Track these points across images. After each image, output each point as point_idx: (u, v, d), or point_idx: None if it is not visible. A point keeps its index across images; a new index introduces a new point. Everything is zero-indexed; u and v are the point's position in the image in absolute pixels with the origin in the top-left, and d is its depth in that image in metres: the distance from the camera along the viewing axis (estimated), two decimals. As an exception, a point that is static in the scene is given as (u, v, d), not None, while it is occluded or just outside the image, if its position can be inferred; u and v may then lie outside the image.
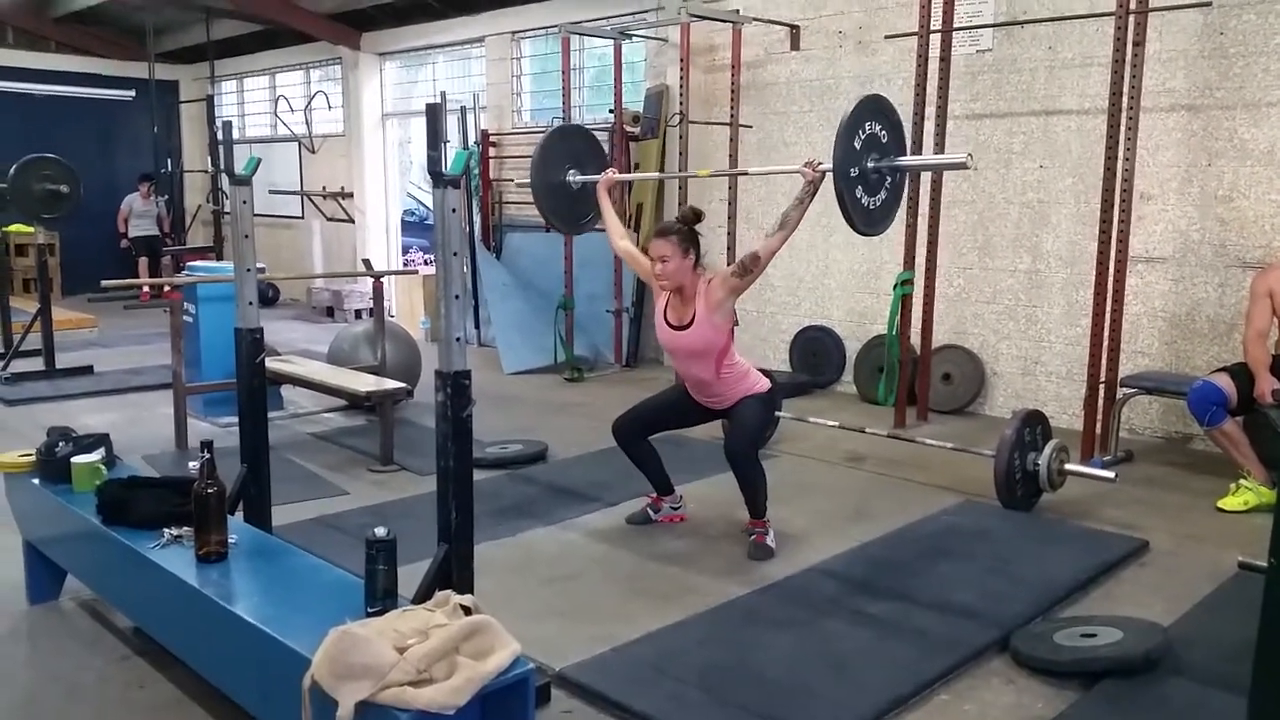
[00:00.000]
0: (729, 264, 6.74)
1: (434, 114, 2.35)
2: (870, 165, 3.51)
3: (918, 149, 5.68)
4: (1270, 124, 5.10)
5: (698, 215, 3.89)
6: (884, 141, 3.57)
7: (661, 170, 7.70)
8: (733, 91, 6.85)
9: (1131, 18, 4.79)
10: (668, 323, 3.90)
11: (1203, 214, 5.37)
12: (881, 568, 3.71)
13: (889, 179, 3.61)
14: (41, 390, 6.83)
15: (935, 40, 5.63)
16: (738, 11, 6.96)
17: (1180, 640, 3.03)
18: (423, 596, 2.31)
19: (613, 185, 4.36)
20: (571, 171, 4.46)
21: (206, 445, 2.62)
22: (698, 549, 3.96)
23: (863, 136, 3.48)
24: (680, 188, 6.88)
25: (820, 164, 3.55)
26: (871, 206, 3.57)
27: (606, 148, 8.01)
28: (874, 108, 3.55)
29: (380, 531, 2.21)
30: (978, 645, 3.05)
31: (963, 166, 3.55)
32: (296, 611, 2.34)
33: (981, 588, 3.48)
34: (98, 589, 3.24)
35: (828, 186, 3.56)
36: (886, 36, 6.29)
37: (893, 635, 3.14)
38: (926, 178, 5.72)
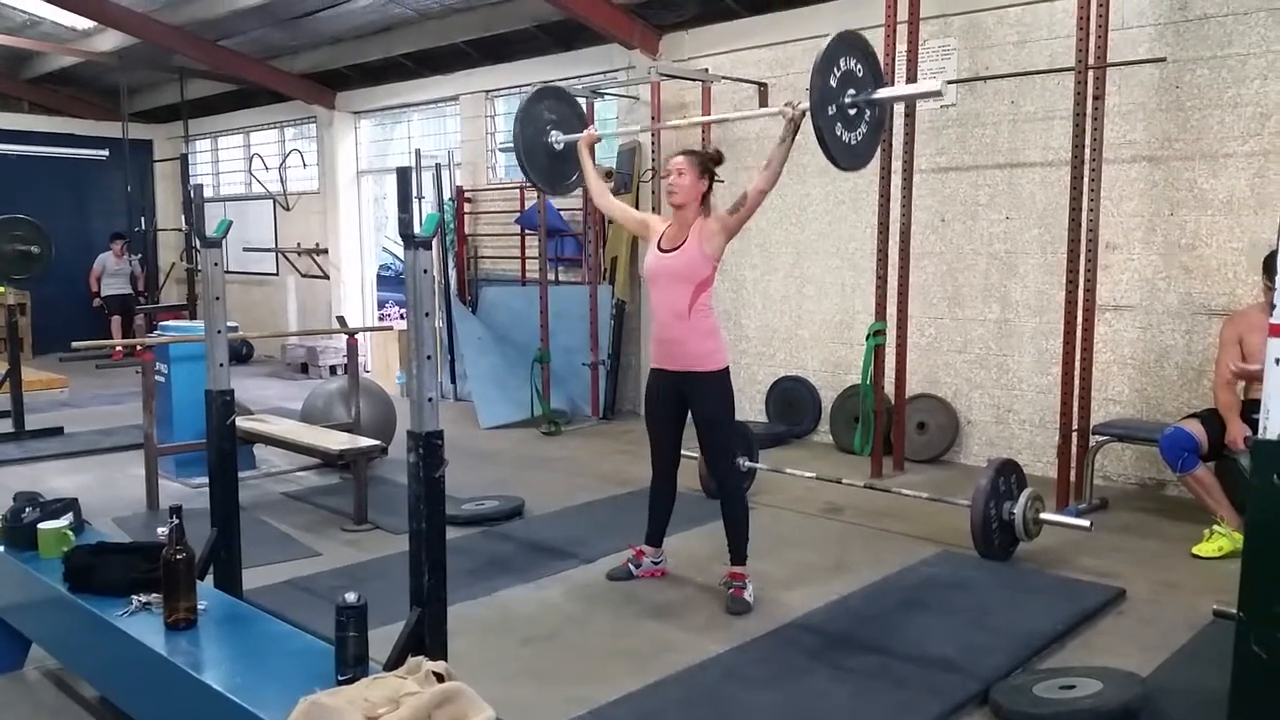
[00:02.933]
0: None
1: (404, 178, 2.37)
2: (848, 101, 3.46)
3: (886, 203, 5.78)
4: (1228, 174, 5.22)
5: (720, 157, 4.01)
6: (860, 76, 3.50)
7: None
8: (703, 147, 6.94)
9: (1090, 73, 4.92)
10: (659, 248, 3.92)
11: (1167, 262, 5.46)
12: (861, 621, 3.70)
13: (868, 113, 3.56)
14: (10, 453, 6.72)
15: (901, 96, 5.75)
16: (707, 70, 7.09)
17: (1159, 690, 3.02)
18: (394, 663, 2.27)
19: (593, 142, 4.33)
20: (554, 133, 4.42)
21: (175, 511, 2.58)
22: (676, 605, 3.93)
23: (838, 73, 3.43)
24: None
25: (800, 103, 3.53)
26: (852, 142, 3.52)
27: (580, 203, 8.13)
28: (849, 43, 3.49)
29: (350, 597, 2.18)
30: (958, 699, 3.04)
31: (937, 94, 3.53)
32: (266, 680, 2.30)
33: (961, 640, 3.47)
34: (63, 658, 3.17)
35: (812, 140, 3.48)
36: (854, 92, 6.41)
37: (873, 691, 3.12)
38: (895, 231, 5.80)
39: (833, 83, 3.42)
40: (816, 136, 3.43)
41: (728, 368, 3.93)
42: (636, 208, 7.72)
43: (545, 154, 4.40)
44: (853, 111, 3.49)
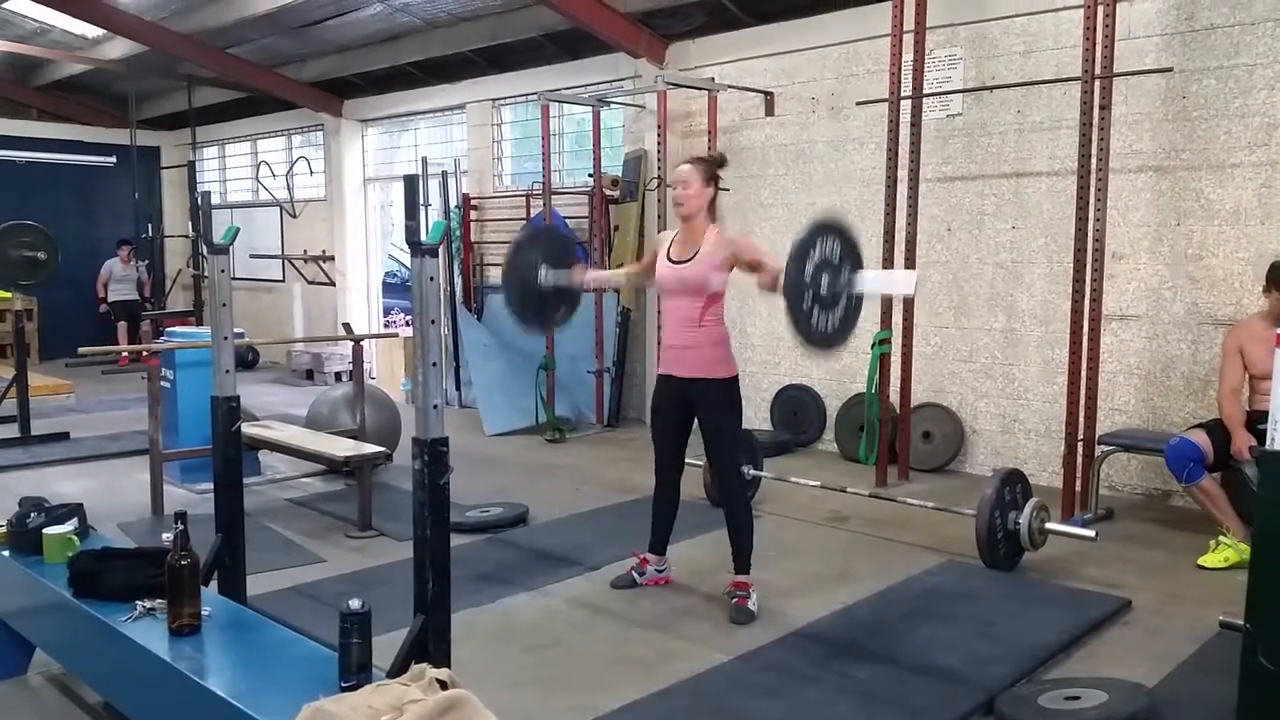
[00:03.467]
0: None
1: (411, 185, 2.38)
2: (824, 289, 3.36)
3: (891, 212, 5.78)
4: (1235, 184, 5.22)
5: (723, 160, 3.99)
6: (837, 260, 3.40)
7: (641, 230, 7.79)
8: (710, 155, 6.95)
9: (1097, 82, 4.92)
10: (670, 259, 3.90)
11: (1174, 272, 5.45)
12: (866, 631, 3.69)
13: (845, 296, 3.46)
14: (16, 457, 6.73)
15: (906, 106, 5.76)
16: (713, 79, 7.10)
17: (1165, 701, 3.01)
18: (398, 670, 2.27)
19: (584, 280, 4.17)
20: (543, 267, 4.19)
21: (180, 516, 2.58)
22: (681, 613, 3.92)
23: (815, 258, 3.33)
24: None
25: (780, 278, 3.41)
26: (828, 327, 3.41)
27: (586, 210, 8.14)
28: (826, 227, 3.41)
29: (354, 604, 2.18)
30: (963, 710, 3.03)
31: (910, 294, 3.35)
32: (270, 686, 2.30)
33: (966, 650, 3.46)
34: (67, 663, 3.17)
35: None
36: (858, 103, 6.43)
37: (878, 702, 3.11)
38: (901, 240, 5.80)
39: (808, 271, 3.30)
40: (789, 320, 3.33)
41: (736, 376, 3.94)
42: (643, 215, 7.76)
43: (537, 296, 4.19)
44: (829, 298, 3.39)
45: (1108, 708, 2.86)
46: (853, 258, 3.45)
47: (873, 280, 3.39)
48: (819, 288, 3.33)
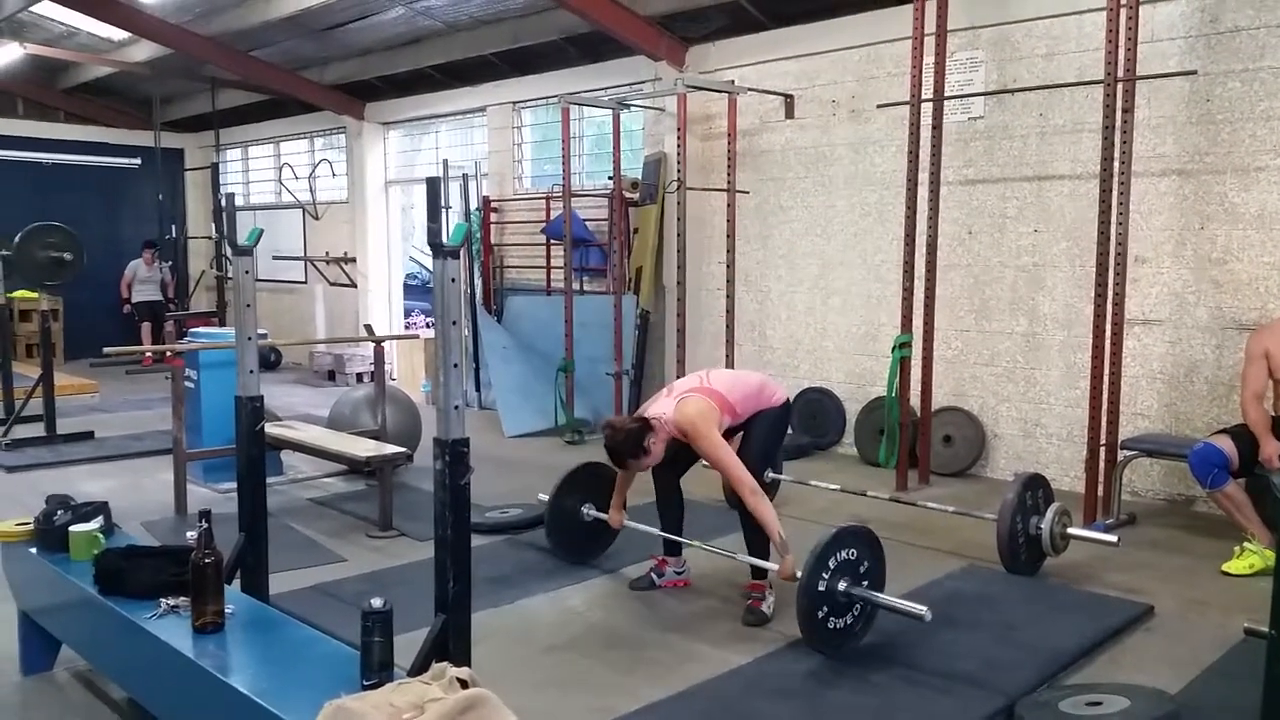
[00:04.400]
0: (727, 324, 6.88)
1: (434, 188, 2.39)
2: (840, 590, 3.44)
3: (912, 215, 5.77)
4: (1260, 188, 5.17)
5: (611, 436, 3.90)
6: (854, 560, 3.50)
7: (660, 232, 7.80)
8: (729, 159, 6.96)
9: (1120, 86, 4.88)
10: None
11: (1197, 276, 5.41)
12: (885, 634, 3.66)
13: (859, 605, 3.52)
14: (42, 456, 6.81)
15: (927, 109, 5.73)
16: (733, 82, 7.10)
17: (1188, 708, 2.98)
18: (419, 669, 2.29)
19: (622, 522, 4.36)
20: (587, 504, 4.48)
21: (204, 515, 2.61)
22: (699, 615, 3.92)
23: (834, 563, 3.43)
24: (679, 250, 6.96)
25: (797, 573, 3.48)
26: (837, 627, 3.46)
27: (605, 212, 8.16)
28: (851, 537, 3.51)
29: (376, 603, 2.20)
30: (983, 715, 3.01)
31: (921, 618, 3.40)
32: (292, 684, 2.32)
33: (986, 655, 3.44)
34: (92, 660, 3.21)
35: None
36: (879, 105, 6.41)
37: (896, 706, 3.10)
38: (922, 243, 5.79)
39: (823, 579, 3.39)
40: (799, 619, 3.40)
41: (789, 401, 4.09)
42: (662, 217, 7.77)
43: (583, 531, 4.52)
44: (844, 600, 3.46)
45: (1130, 714, 2.84)
46: (874, 567, 3.56)
47: (886, 598, 3.53)
48: (835, 593, 3.43)
